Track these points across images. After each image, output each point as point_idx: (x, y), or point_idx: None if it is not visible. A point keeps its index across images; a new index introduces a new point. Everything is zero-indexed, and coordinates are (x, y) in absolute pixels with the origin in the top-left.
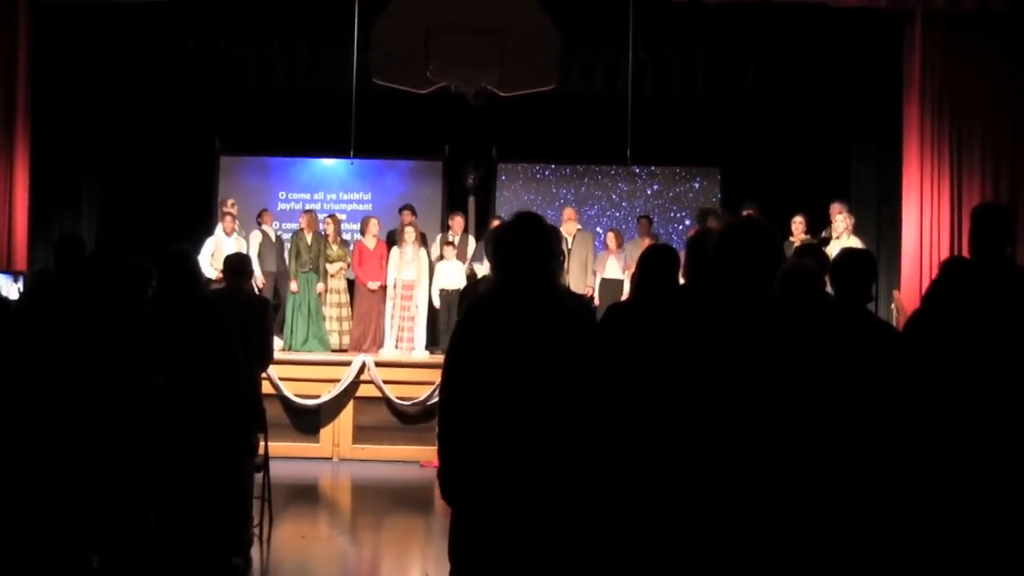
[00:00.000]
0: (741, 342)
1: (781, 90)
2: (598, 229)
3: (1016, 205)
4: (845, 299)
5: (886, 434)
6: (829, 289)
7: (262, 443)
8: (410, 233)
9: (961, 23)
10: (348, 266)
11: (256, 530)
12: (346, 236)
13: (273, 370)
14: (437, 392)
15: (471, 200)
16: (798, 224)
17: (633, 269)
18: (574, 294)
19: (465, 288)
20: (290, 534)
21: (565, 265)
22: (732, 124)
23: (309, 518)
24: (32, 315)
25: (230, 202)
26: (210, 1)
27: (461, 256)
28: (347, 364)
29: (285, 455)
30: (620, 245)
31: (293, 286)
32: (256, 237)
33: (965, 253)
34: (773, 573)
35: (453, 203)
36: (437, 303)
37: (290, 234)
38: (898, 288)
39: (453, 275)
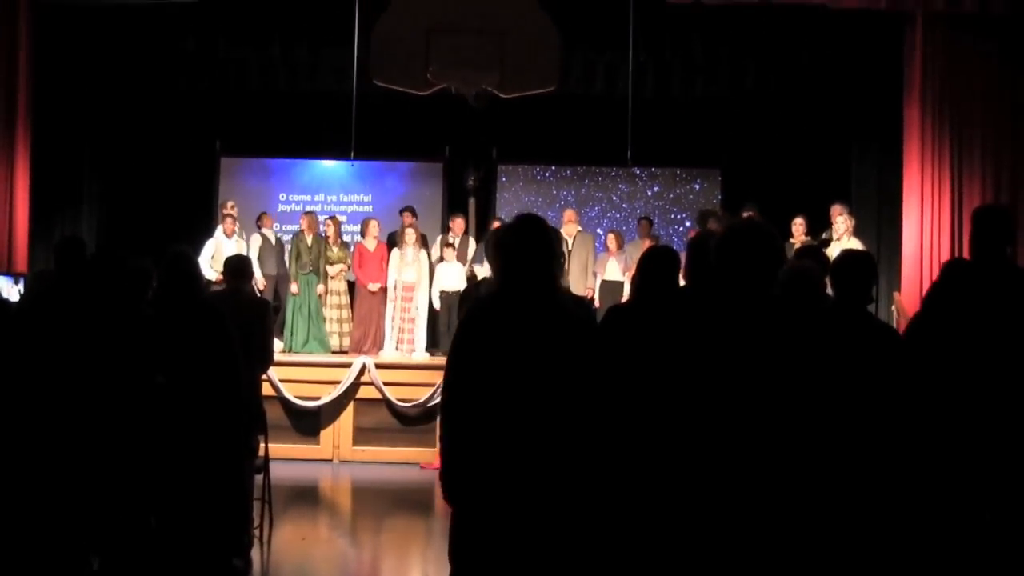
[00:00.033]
0: (741, 344)
1: (781, 92)
2: (598, 231)
3: (1017, 206)
4: (845, 301)
5: (887, 435)
6: (830, 291)
7: (262, 445)
8: (411, 235)
9: (961, 24)
10: (348, 268)
11: (256, 532)
12: (346, 238)
13: (273, 372)
14: (439, 393)
15: (471, 202)
16: (798, 226)
17: (633, 271)
18: (574, 296)
19: (465, 290)
20: (290, 536)
21: (565, 267)
22: (732, 126)
23: (309, 520)
24: (34, 316)
25: (230, 204)
26: (210, 2)
27: (461, 258)
28: (347, 366)
29: (285, 457)
30: (620, 247)
31: (293, 288)
32: (256, 241)
33: (966, 254)
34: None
35: (453, 205)
36: (437, 305)
37: (290, 236)
38: (898, 290)
39: (453, 277)
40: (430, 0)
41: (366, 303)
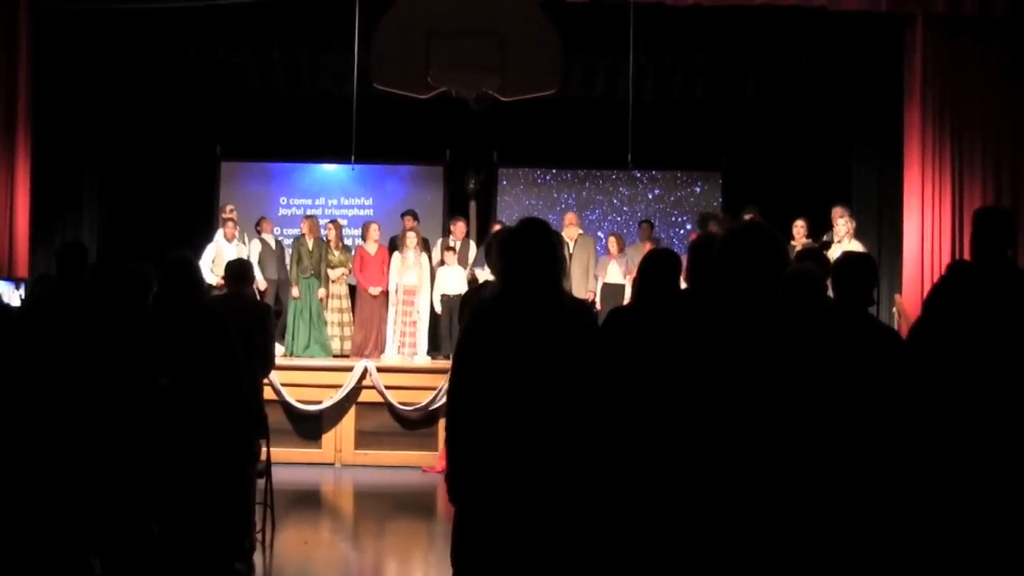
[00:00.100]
0: (742, 346)
1: (782, 94)
2: (599, 234)
3: (1018, 208)
4: (846, 303)
5: (888, 437)
6: (831, 293)
7: (264, 449)
8: (412, 238)
9: (962, 26)
10: (349, 271)
11: (258, 535)
12: (347, 241)
13: (275, 376)
14: (441, 396)
15: (472, 205)
16: (799, 228)
17: (634, 273)
18: (576, 299)
19: (466, 293)
20: (292, 540)
21: (568, 270)
22: (733, 128)
23: (311, 524)
24: (38, 320)
25: (228, 208)
26: (211, 7)
27: (462, 261)
28: (349, 370)
29: (287, 461)
30: (621, 250)
31: (295, 291)
32: (256, 246)
33: (967, 256)
34: None
35: (454, 208)
36: (439, 308)
37: (291, 240)
38: (899, 292)
39: (454, 280)
40: (430, 3)
41: (367, 307)
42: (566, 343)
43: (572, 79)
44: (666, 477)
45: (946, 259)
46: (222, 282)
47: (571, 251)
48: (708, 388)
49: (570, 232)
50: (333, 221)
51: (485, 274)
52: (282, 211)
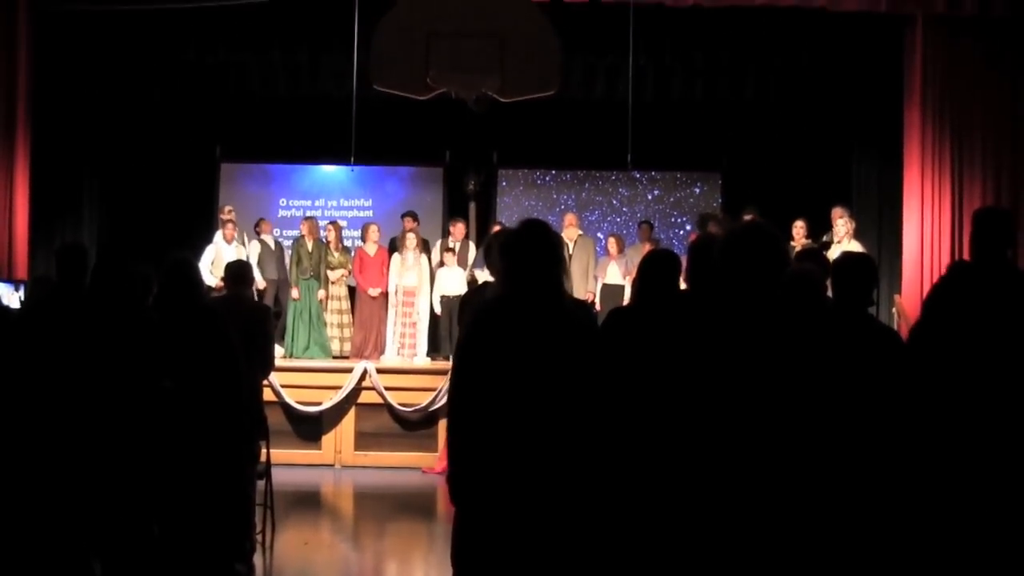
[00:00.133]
0: (742, 347)
1: (781, 94)
2: (599, 234)
3: (1017, 209)
4: (846, 303)
5: (888, 438)
6: (830, 294)
7: (264, 450)
8: (411, 239)
9: (962, 27)
10: (349, 273)
11: (259, 537)
12: (347, 243)
13: (275, 377)
14: (440, 397)
15: (472, 206)
16: (799, 229)
17: (634, 274)
18: (576, 300)
19: (466, 295)
20: (292, 541)
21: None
22: (733, 129)
23: (311, 525)
24: (39, 322)
25: (227, 209)
26: (211, 8)
27: (462, 262)
28: (348, 371)
29: (287, 462)
30: (621, 250)
31: (294, 293)
32: (255, 247)
33: (966, 257)
34: None
35: (454, 209)
36: (438, 309)
37: (291, 241)
38: (899, 292)
39: (454, 281)
40: (430, 4)
41: (367, 308)
42: (567, 344)
43: (572, 80)
44: (666, 477)
45: (946, 259)
46: (222, 283)
47: (571, 252)
48: (708, 389)
49: (570, 233)
50: (333, 222)
51: (485, 275)
52: (282, 212)
